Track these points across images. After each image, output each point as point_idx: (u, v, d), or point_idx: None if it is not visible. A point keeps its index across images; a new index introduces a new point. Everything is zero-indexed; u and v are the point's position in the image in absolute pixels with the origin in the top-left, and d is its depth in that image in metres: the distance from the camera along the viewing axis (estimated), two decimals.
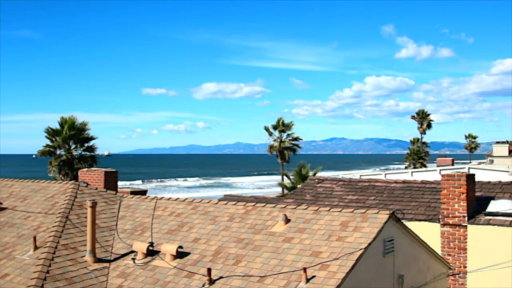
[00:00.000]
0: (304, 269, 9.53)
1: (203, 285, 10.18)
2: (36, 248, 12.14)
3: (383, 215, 10.98)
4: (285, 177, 51.50)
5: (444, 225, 16.10)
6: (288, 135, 62.71)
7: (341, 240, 10.51)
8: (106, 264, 12.03)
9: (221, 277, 10.32)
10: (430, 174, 36.63)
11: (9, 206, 15.27)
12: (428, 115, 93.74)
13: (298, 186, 34.49)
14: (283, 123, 62.41)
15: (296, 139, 62.88)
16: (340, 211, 11.62)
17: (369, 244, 10.20)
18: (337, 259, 9.88)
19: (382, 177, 36.52)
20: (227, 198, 22.35)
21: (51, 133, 38.30)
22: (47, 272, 11.03)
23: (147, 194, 16.65)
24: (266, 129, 63.02)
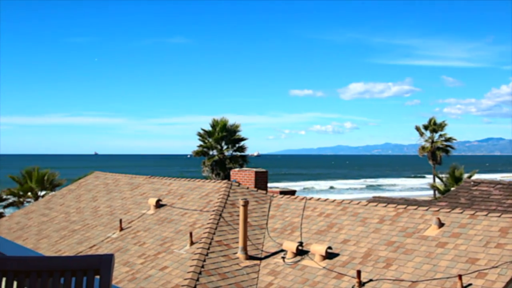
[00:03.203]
0: (459, 276, 9.09)
1: (353, 287, 10.09)
2: (192, 243, 12.77)
3: None
4: (437, 179, 49.51)
5: None
6: (440, 135, 60.11)
7: (500, 247, 9.87)
8: (257, 262, 12.34)
9: (370, 280, 10.16)
10: None
11: (167, 203, 16.22)
12: None
13: (452, 188, 32.98)
14: (434, 122, 59.95)
15: (449, 139, 60.08)
16: (499, 216, 10.92)
17: None
18: (496, 267, 9.30)
19: None
20: (377, 200, 21.95)
21: (204, 135, 39.97)
22: (202, 266, 11.56)
23: (296, 194, 16.84)
24: (417, 129, 60.91)
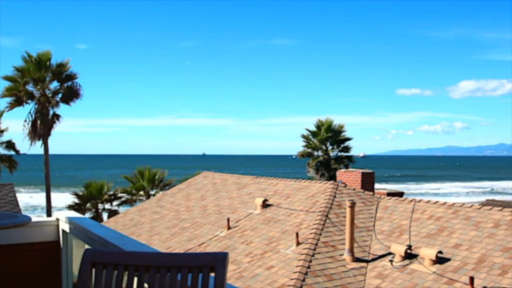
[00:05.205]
0: None
1: None
2: (298, 243, 12.81)
3: None
4: None
5: None
6: None
7: None
8: (364, 264, 12.17)
9: (485, 287, 9.71)
10: None
11: (274, 203, 16.36)
12: None
13: None
14: None
15: None
16: None
17: None
18: None
19: None
20: (491, 203, 20.97)
21: (309, 135, 39.93)
22: (308, 267, 11.56)
23: (404, 196, 16.43)
24: None
